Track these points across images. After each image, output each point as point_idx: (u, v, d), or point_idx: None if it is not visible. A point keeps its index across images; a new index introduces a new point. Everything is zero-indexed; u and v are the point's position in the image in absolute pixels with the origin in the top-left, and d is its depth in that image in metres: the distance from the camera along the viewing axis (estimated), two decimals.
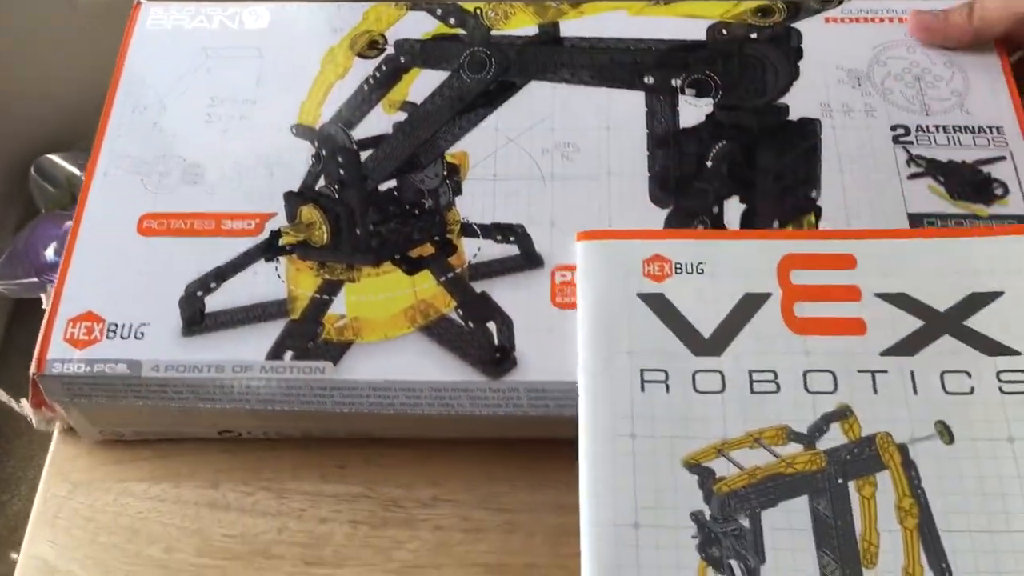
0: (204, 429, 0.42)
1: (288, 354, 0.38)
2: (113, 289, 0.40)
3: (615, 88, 0.43)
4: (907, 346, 0.35)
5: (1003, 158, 0.40)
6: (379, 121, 0.44)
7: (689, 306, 0.37)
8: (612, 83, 0.43)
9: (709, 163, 0.41)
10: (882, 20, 0.45)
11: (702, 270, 0.37)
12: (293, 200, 0.41)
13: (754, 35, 0.44)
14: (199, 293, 0.40)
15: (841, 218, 0.39)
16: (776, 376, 0.35)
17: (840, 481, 0.33)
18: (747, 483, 0.33)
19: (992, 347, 0.35)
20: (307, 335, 0.39)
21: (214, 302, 0.39)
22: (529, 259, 0.40)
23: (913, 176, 0.40)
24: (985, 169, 0.40)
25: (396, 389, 0.38)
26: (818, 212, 0.40)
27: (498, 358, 0.38)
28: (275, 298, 0.39)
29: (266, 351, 0.38)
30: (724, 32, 0.44)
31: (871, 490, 0.33)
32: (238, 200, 0.42)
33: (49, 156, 1.15)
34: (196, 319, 0.39)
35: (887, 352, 0.35)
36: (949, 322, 0.35)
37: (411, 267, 0.40)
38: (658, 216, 0.40)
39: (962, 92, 0.43)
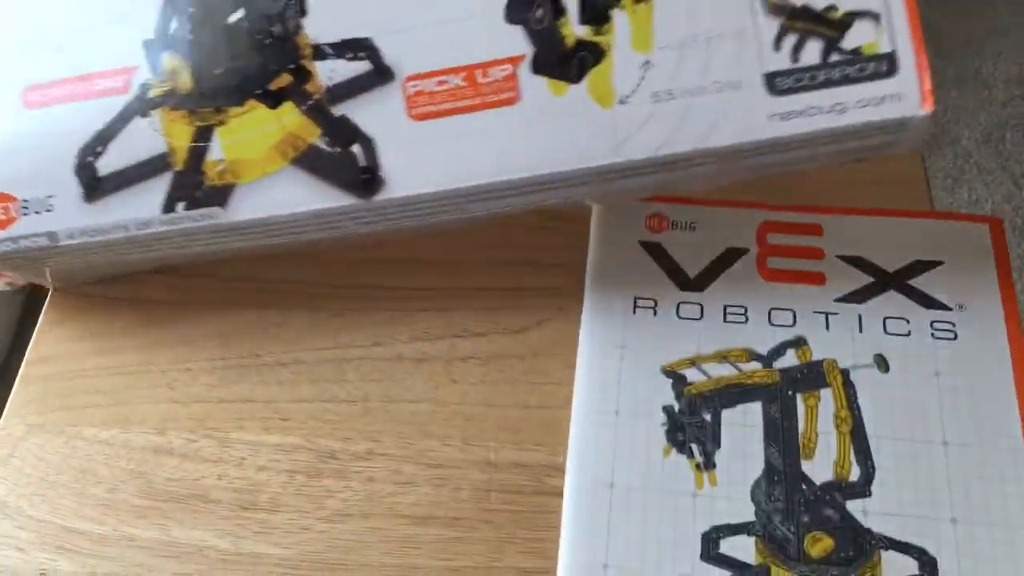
0: (141, 268, 0.46)
1: (180, 205, 0.40)
2: (16, 167, 0.41)
3: None
4: (858, 296, 0.42)
5: None
6: None
7: (680, 254, 0.44)
8: None
9: None
10: None
11: (694, 227, 0.45)
12: (152, 48, 0.40)
13: None
14: (89, 159, 0.40)
15: None
16: (746, 311, 0.42)
17: (790, 393, 0.40)
18: (713, 388, 0.40)
19: (929, 302, 0.42)
20: (192, 184, 0.39)
21: (107, 165, 0.40)
22: (381, 74, 0.38)
23: None
24: None
25: (281, 223, 0.40)
26: None
27: (365, 180, 0.38)
28: (158, 152, 0.40)
29: (160, 205, 0.40)
30: None
31: (815, 402, 0.40)
32: (108, 58, 0.40)
33: None
34: (93, 184, 0.40)
35: (840, 299, 0.42)
36: (895, 280, 0.42)
37: (273, 100, 0.39)
38: None
39: None
